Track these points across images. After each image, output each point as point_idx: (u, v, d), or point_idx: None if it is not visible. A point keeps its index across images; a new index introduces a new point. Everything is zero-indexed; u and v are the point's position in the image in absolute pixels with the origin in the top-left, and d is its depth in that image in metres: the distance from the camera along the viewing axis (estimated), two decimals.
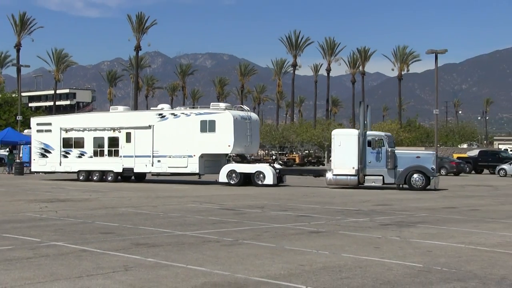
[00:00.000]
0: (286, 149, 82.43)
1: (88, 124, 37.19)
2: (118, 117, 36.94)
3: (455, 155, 62.03)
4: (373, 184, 31.28)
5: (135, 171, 35.93)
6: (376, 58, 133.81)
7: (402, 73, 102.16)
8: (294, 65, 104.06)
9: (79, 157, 36.96)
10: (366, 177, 31.37)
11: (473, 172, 54.79)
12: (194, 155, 34.11)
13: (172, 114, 35.46)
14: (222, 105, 35.72)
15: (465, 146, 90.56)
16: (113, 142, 36.18)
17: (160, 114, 35.50)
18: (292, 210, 20.79)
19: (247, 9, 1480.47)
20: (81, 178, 36.69)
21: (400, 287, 9.30)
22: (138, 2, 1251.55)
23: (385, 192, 30.27)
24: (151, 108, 38.94)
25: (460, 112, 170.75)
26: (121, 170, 36.14)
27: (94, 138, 36.69)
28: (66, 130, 37.38)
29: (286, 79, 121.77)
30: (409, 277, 9.91)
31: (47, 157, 37.77)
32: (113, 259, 11.15)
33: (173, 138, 34.61)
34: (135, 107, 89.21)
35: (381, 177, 31.16)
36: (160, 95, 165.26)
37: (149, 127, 35.16)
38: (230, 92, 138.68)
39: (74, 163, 37.04)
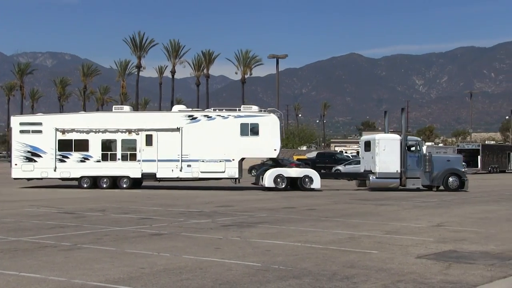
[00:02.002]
0: None
1: (95, 124, 33.32)
2: (135, 117, 33.99)
3: (295, 157, 64.41)
4: (412, 186, 32.83)
5: (158, 176, 33.08)
6: (221, 61, 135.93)
7: (246, 76, 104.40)
8: (139, 67, 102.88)
9: (82, 161, 33.05)
10: (407, 180, 32.79)
11: None
12: (233, 160, 32.60)
13: (205, 116, 33.25)
14: (255, 107, 34.09)
15: (304, 148, 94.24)
16: (128, 145, 33.11)
17: (190, 116, 33.21)
18: (134, 212, 20.51)
19: (91, 8, 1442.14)
20: (85, 185, 32.93)
21: (238, 286, 9.49)
22: None
23: (227, 193, 30.77)
24: (180, 110, 34.87)
25: (300, 115, 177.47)
26: (139, 176, 33.20)
27: (103, 140, 33.14)
28: (64, 131, 33.09)
29: (130, 81, 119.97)
30: (247, 277, 10.14)
31: (35, 161, 32.96)
32: None
33: (206, 142, 32.71)
34: None
35: (419, 179, 32.84)
36: None
37: (177, 129, 32.79)
38: (72, 93, 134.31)
39: (75, 168, 32.98)
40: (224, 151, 32.56)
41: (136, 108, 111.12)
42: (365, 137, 37.93)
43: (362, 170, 34.83)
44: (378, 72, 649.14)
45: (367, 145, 34.29)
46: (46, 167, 32.90)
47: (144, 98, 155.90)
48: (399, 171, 32.82)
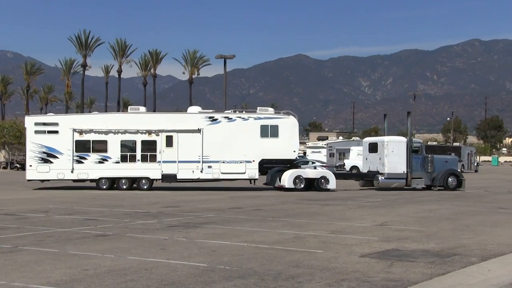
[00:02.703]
0: None
1: (114, 125, 32.92)
2: (155, 118, 33.94)
3: None
4: (417, 186, 34.61)
5: (178, 177, 33.00)
6: (168, 61, 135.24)
7: (193, 76, 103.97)
8: (84, 66, 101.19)
9: (100, 162, 32.61)
10: (412, 180, 34.47)
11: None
12: (254, 161, 33.06)
13: (225, 117, 33.54)
14: (271, 109, 34.66)
15: None
16: (148, 146, 32.83)
17: (210, 117, 33.34)
18: (78, 213, 20.20)
19: (35, 4, 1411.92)
20: (103, 186, 32.47)
21: (183, 287, 9.47)
22: None
23: (174, 193, 30.61)
24: (199, 111, 34.64)
25: None
26: (159, 177, 33.05)
27: (122, 141, 32.82)
28: (81, 132, 32.58)
29: (76, 80, 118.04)
30: (193, 277, 10.12)
31: (51, 162, 32.28)
32: None
33: (227, 143, 33.01)
34: None
35: (423, 179, 34.73)
36: None
37: (198, 130, 32.85)
38: (14, 91, 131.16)
39: (93, 169, 32.50)
40: (244, 152, 33.04)
41: (81, 108, 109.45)
42: (370, 139, 39.73)
43: (365, 171, 36.32)
44: (325, 73, 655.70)
45: (373, 147, 35.76)
46: (63, 168, 32.37)
47: (90, 98, 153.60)
48: (405, 171, 34.47)
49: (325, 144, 65.58)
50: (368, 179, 35.67)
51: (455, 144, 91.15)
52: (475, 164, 76.78)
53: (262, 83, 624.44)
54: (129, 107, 36.15)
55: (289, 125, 33.50)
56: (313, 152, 66.00)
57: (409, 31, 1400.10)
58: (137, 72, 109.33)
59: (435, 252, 12.93)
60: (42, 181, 33.52)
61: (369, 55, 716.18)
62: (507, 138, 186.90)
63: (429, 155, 35.82)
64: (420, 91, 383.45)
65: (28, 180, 33.11)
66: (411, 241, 14.44)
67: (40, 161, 32.31)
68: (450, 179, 34.78)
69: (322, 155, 64.73)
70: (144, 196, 28.41)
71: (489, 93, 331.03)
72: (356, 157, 56.37)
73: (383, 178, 34.45)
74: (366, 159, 36.34)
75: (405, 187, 34.52)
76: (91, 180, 32.99)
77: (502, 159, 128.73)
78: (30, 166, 32.43)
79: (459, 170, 36.45)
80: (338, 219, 19.18)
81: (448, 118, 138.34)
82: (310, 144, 72.57)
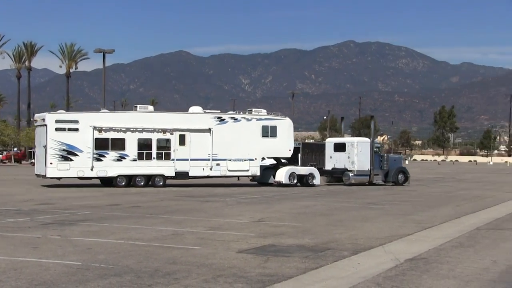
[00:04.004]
0: None
1: (132, 123, 33.20)
2: (169, 118, 34.83)
3: None
4: (377, 182, 38.37)
5: (190, 174, 34.11)
6: (44, 53, 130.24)
7: (71, 70, 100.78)
8: None
9: (118, 160, 32.67)
10: (374, 176, 38.25)
11: None
12: (256, 159, 35.35)
13: (232, 118, 35.58)
14: (264, 111, 37.20)
15: None
16: (163, 144, 33.67)
17: (219, 118, 35.18)
18: None
19: None
20: (121, 183, 32.53)
21: (56, 287, 9.18)
22: None
23: (47, 190, 29.65)
24: (207, 111, 36.56)
25: None
26: (173, 174, 33.80)
27: (139, 139, 33.12)
28: (101, 130, 32.36)
29: None
30: (66, 276, 9.84)
31: (71, 160, 31.68)
32: None
33: (233, 142, 34.78)
34: None
35: (380, 176, 38.56)
36: None
37: (208, 130, 34.34)
38: None
39: (111, 167, 32.52)
40: (248, 151, 35.23)
41: None
42: (334, 139, 43.45)
43: (329, 168, 39.44)
44: (206, 70, 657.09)
45: (339, 147, 39.44)
46: (83, 166, 32.12)
47: None
48: (369, 169, 38.24)
49: None
50: (337, 176, 39.13)
51: None
52: None
53: (143, 79, 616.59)
54: (138, 106, 35.82)
55: (286, 126, 36.53)
56: None
57: (288, 31, 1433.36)
58: (10, 64, 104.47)
59: (310, 247, 13.33)
60: (59, 179, 32.77)
61: (249, 54, 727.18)
62: (379, 137, 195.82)
63: (385, 155, 40.11)
64: (298, 90, 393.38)
65: (50, 178, 32.26)
66: (287, 237, 14.80)
67: (60, 159, 31.82)
68: (399, 176, 39.14)
69: None
70: (17, 194, 27.25)
71: (363, 93, 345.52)
72: None
73: (352, 174, 38.01)
74: (331, 157, 39.65)
75: (366, 183, 38.16)
76: (110, 178, 32.73)
77: None
78: (51, 163, 31.69)
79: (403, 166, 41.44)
80: (217, 216, 19.32)
81: (325, 117, 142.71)
82: None
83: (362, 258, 12.23)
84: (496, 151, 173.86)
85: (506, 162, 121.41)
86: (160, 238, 14.21)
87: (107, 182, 33.15)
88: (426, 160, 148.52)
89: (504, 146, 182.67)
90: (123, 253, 12.04)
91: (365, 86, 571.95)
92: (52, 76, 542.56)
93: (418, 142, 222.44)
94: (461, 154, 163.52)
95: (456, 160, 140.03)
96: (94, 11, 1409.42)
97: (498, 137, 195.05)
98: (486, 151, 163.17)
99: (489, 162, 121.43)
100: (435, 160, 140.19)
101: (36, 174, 33.38)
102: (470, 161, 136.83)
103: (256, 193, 30.35)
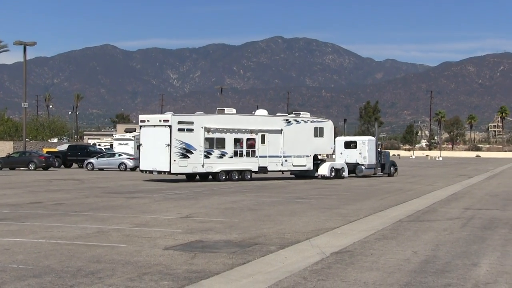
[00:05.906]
0: None
1: (231, 125, 38.05)
2: (255, 120, 39.97)
3: (45, 149, 61.67)
4: (379, 174, 44.42)
5: (268, 170, 39.27)
6: None
7: None
8: None
9: (220, 157, 37.09)
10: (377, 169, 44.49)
11: (62, 166, 55.21)
12: (310, 155, 41.01)
13: (295, 120, 41.08)
14: (307, 114, 44.18)
15: (55, 140, 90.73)
16: (250, 143, 38.41)
17: (286, 120, 40.73)
18: None
19: None
20: (222, 177, 36.66)
21: None
22: None
23: None
24: (278, 114, 44.35)
25: (51, 106, 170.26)
26: (257, 169, 38.70)
27: (235, 139, 37.84)
28: (209, 130, 36.60)
29: None
30: None
31: (188, 157, 35.63)
32: None
33: (296, 141, 40.03)
34: None
35: (380, 169, 44.67)
36: None
37: (280, 131, 39.53)
38: None
39: (216, 163, 36.93)
40: (305, 148, 40.79)
41: None
42: (345, 138, 48.26)
43: (342, 162, 43.36)
44: (133, 65, 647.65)
45: (350, 144, 44.90)
46: (196, 163, 35.97)
47: None
48: (375, 163, 44.31)
49: (132, 136, 64.56)
50: (350, 169, 43.30)
51: None
52: None
53: (67, 73, 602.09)
54: (225, 109, 40.35)
55: (329, 127, 42.73)
56: (120, 144, 64.63)
57: (216, 25, 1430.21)
58: None
59: (237, 243, 13.29)
60: (177, 174, 36.33)
61: (177, 48, 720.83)
62: None
63: (383, 151, 46.29)
64: (227, 85, 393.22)
65: (175, 174, 36.05)
66: (214, 233, 14.72)
67: (180, 157, 35.41)
68: (392, 169, 45.67)
69: (129, 147, 63.72)
70: None
71: (291, 88, 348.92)
72: None
73: (364, 168, 43.71)
74: (341, 153, 44.81)
75: (372, 175, 43.74)
76: (214, 173, 36.51)
77: None
78: (174, 160, 35.21)
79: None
80: (143, 212, 19.04)
81: (253, 112, 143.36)
82: (117, 136, 70.96)
83: (289, 252, 12.28)
84: (418, 145, 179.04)
85: (427, 155, 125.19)
86: (83, 236, 13.85)
87: (191, 177, 36.66)
88: None
89: (425, 140, 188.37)
90: (44, 252, 11.67)
91: (293, 81, 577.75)
92: None
93: None
94: (385, 148, 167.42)
95: None
96: (15, 2, 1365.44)
97: (420, 132, 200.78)
98: (409, 145, 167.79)
99: (411, 156, 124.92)
100: None
101: (141, 170, 36.70)
102: (393, 155, 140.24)
103: (184, 188, 30.13)
